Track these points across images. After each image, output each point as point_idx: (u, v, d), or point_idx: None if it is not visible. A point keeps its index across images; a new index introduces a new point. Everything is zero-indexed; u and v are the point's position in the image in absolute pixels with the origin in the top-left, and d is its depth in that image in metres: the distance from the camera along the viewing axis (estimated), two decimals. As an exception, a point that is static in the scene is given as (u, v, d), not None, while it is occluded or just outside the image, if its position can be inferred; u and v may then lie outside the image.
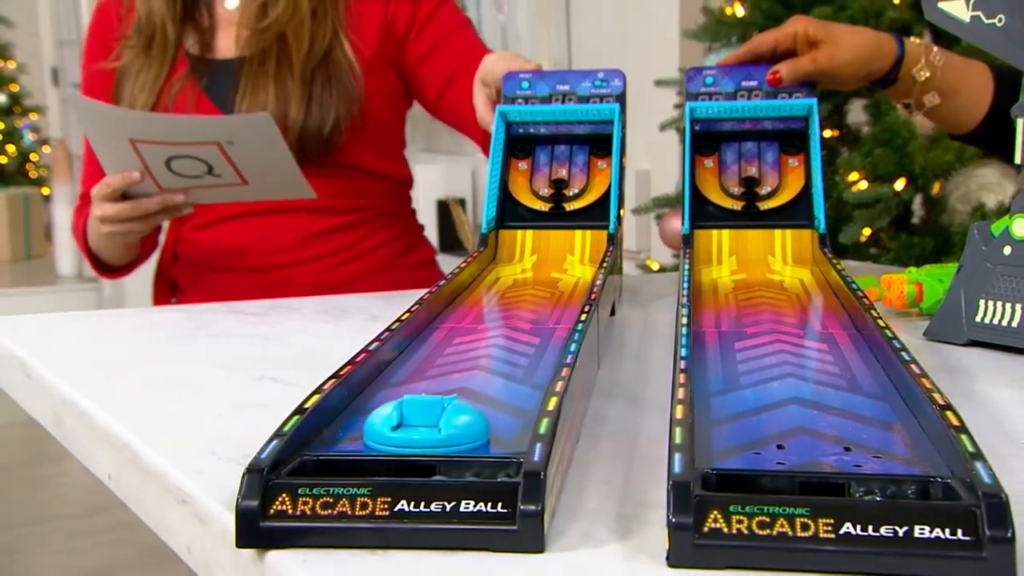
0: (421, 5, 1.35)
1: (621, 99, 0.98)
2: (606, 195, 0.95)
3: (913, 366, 0.53)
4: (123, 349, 0.81)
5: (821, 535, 0.39)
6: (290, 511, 0.43)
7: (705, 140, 0.98)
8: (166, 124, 1.18)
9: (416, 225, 1.50)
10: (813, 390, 0.55)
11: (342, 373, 0.53)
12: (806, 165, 0.96)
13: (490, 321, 0.73)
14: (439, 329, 0.69)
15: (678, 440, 0.44)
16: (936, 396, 0.48)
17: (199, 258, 1.39)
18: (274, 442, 0.45)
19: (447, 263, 2.89)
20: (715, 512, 0.40)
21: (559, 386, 0.50)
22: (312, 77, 1.30)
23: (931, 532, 0.39)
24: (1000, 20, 0.73)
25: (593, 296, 0.70)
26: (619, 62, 2.35)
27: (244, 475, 0.43)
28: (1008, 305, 0.75)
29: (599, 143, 0.99)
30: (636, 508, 0.47)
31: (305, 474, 0.45)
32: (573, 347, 0.57)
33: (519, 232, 0.95)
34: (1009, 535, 0.38)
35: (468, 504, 0.43)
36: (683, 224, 0.92)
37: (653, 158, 2.16)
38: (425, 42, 1.35)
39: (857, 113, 1.77)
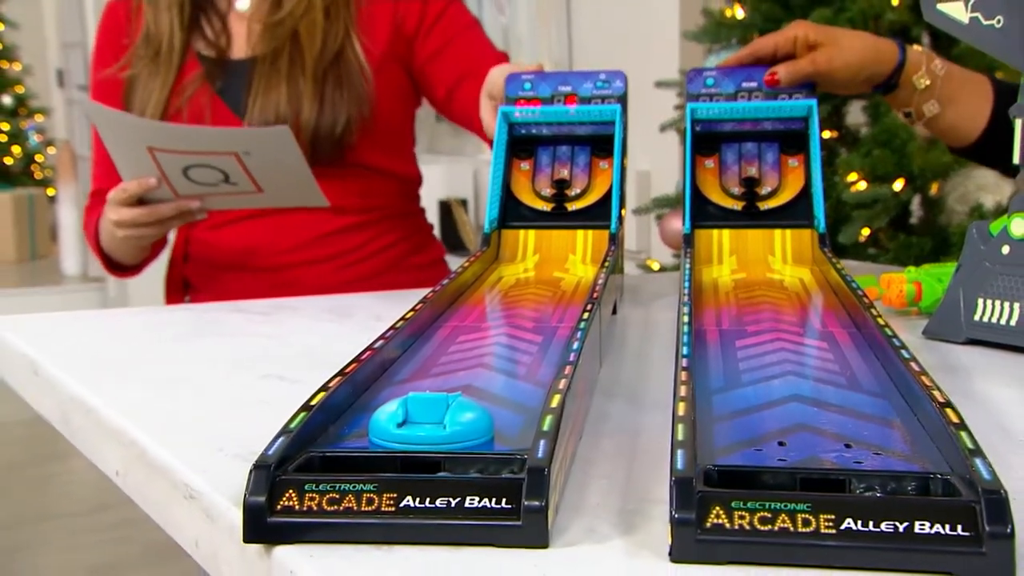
0: (430, 5, 1.36)
1: (622, 100, 0.99)
2: (608, 195, 0.96)
3: (913, 364, 0.54)
4: (130, 347, 0.81)
5: (822, 531, 0.40)
6: (297, 507, 0.44)
7: (706, 141, 0.99)
8: (185, 134, 1.19)
9: (425, 224, 1.50)
10: (813, 387, 0.56)
11: (347, 371, 0.54)
12: (806, 165, 0.96)
13: (493, 320, 0.73)
14: (443, 328, 0.69)
15: (680, 436, 0.44)
16: (936, 394, 0.49)
17: (210, 258, 1.40)
18: (281, 439, 0.46)
19: (449, 263, 2.89)
20: (717, 508, 0.41)
21: (562, 384, 0.51)
22: (324, 77, 1.30)
23: (931, 528, 0.39)
24: (999, 21, 0.74)
25: (595, 295, 0.71)
26: (619, 63, 2.36)
27: (251, 471, 0.43)
28: (1006, 304, 0.75)
29: (601, 144, 0.99)
30: (638, 504, 0.47)
31: (311, 470, 0.46)
32: (576, 345, 0.58)
33: (521, 232, 0.95)
34: (1008, 531, 0.39)
35: (473, 500, 0.43)
36: (684, 224, 0.92)
37: (653, 159, 2.17)
38: (434, 41, 1.35)
39: (856, 114, 1.78)
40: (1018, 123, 0.75)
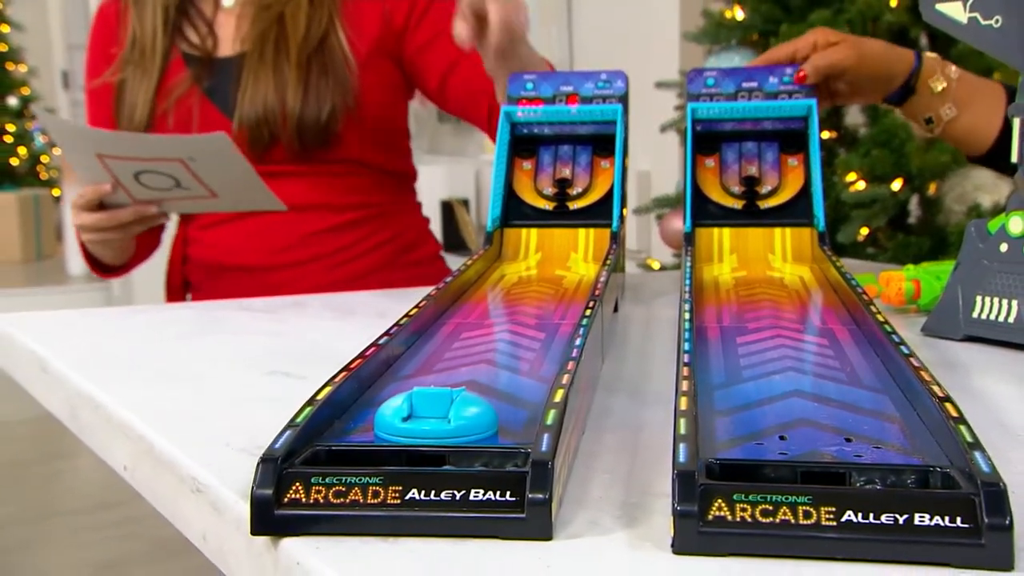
0: None
1: (624, 100, 0.99)
2: (609, 194, 0.96)
3: (912, 360, 0.54)
4: (136, 344, 0.82)
5: (823, 523, 0.40)
6: (303, 499, 0.44)
7: (706, 140, 1.00)
8: (130, 141, 1.21)
9: (421, 220, 1.50)
10: (814, 383, 0.56)
11: (352, 366, 0.54)
12: (805, 164, 0.97)
13: (496, 317, 0.74)
14: (446, 324, 0.70)
15: (683, 431, 0.45)
16: (935, 388, 0.49)
17: (207, 257, 1.41)
18: (287, 432, 0.46)
19: (451, 263, 2.89)
20: (719, 500, 0.41)
21: (565, 379, 0.51)
22: (308, 64, 1.31)
23: (931, 520, 0.40)
24: (997, 21, 0.74)
25: (597, 293, 0.71)
26: (620, 64, 2.36)
27: (259, 464, 0.44)
28: (1004, 301, 0.76)
29: (602, 143, 1.00)
30: (641, 497, 0.48)
31: (318, 464, 0.46)
32: (579, 342, 0.58)
33: (524, 231, 0.96)
34: (1007, 523, 0.39)
35: (478, 493, 0.44)
36: (685, 223, 0.93)
37: (653, 159, 2.17)
38: (424, 33, 1.36)
39: (855, 115, 1.79)
40: (1016, 122, 0.76)
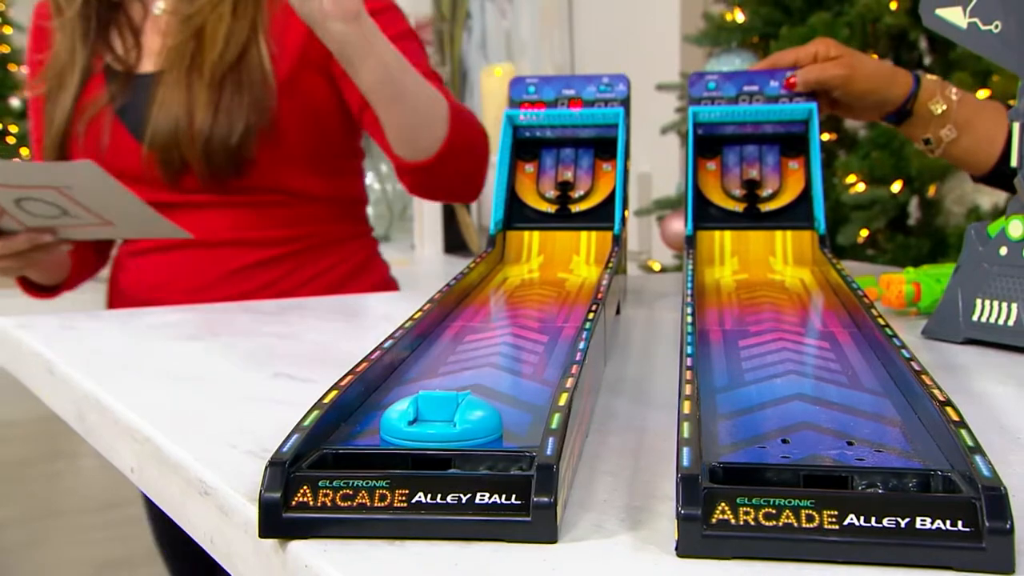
0: None
1: (625, 103, 1.00)
2: (611, 197, 0.97)
3: (913, 363, 0.55)
4: (142, 347, 0.82)
5: (825, 526, 0.41)
6: (311, 503, 0.44)
7: (707, 143, 1.00)
8: (1, 169, 1.12)
9: (367, 245, 1.39)
10: (815, 386, 0.57)
11: (358, 370, 0.55)
12: (806, 168, 0.97)
13: (499, 320, 0.74)
14: (450, 327, 0.70)
15: (686, 434, 0.45)
16: (936, 392, 0.50)
17: (131, 285, 1.33)
18: (295, 436, 0.46)
19: (452, 263, 2.90)
20: (723, 504, 0.42)
21: (569, 382, 0.52)
22: (222, 82, 1.21)
23: (932, 523, 0.40)
24: (997, 27, 0.75)
25: (600, 296, 0.72)
26: (621, 67, 2.37)
27: (267, 468, 0.44)
28: (1004, 304, 0.76)
29: (604, 146, 1.00)
30: (645, 500, 0.48)
31: (324, 467, 0.47)
32: (582, 345, 0.59)
33: (526, 233, 0.96)
34: (1008, 526, 0.39)
35: (483, 496, 0.44)
36: (686, 225, 0.94)
37: (654, 161, 2.18)
38: None
39: (855, 116, 1.79)
40: (1016, 126, 0.76)
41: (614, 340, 0.82)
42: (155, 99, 1.23)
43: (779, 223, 0.95)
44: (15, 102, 5.38)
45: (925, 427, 0.50)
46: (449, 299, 0.74)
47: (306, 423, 0.48)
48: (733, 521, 0.41)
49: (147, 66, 1.28)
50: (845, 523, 0.41)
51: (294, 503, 0.44)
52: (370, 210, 3.15)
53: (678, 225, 1.77)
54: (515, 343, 0.67)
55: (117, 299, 1.36)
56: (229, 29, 1.22)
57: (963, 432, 0.45)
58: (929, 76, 1.01)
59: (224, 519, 0.50)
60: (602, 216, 0.97)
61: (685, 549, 0.42)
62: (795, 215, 0.96)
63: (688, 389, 0.51)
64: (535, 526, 0.43)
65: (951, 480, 0.43)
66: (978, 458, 0.42)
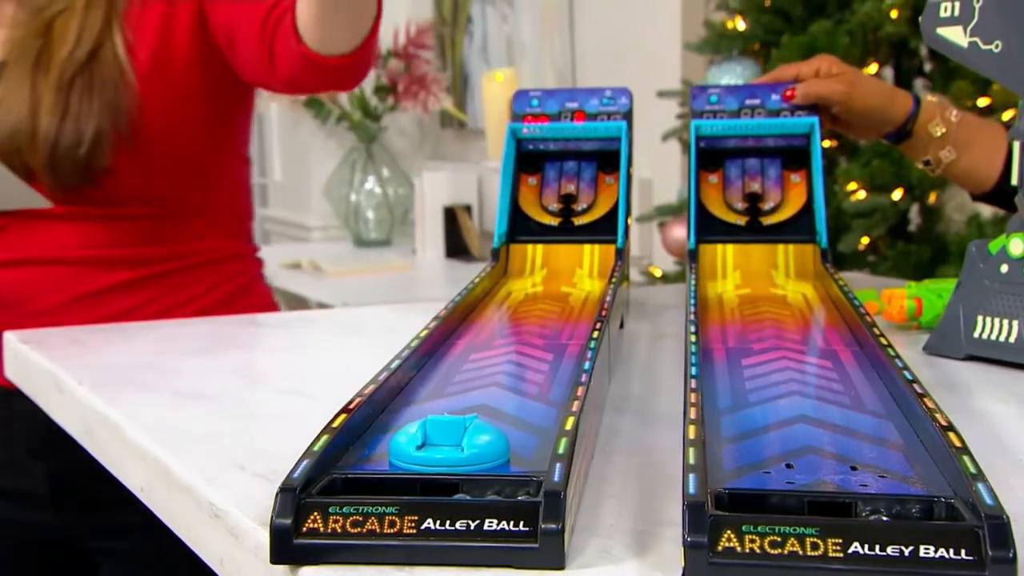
0: None
1: (628, 117, 1.00)
2: (613, 210, 0.98)
3: (916, 386, 0.55)
4: (149, 361, 0.83)
5: (830, 554, 0.41)
6: (322, 529, 0.45)
7: (710, 156, 1.01)
8: None
9: (249, 267, 1.25)
10: (818, 407, 0.57)
11: (366, 392, 0.55)
12: (808, 181, 0.98)
13: (504, 337, 0.75)
14: (455, 345, 0.71)
15: (692, 461, 0.45)
16: (938, 416, 0.50)
17: None
18: (305, 461, 0.47)
19: (453, 268, 2.90)
20: (729, 532, 0.42)
21: (575, 405, 0.52)
22: (71, 83, 1.08)
23: (936, 552, 0.41)
24: (997, 46, 0.75)
25: (604, 313, 0.72)
26: (622, 73, 2.37)
27: (278, 494, 0.45)
28: (1005, 321, 0.77)
29: (606, 159, 1.01)
30: (651, 525, 0.49)
31: (335, 492, 0.47)
32: (587, 365, 0.59)
33: (529, 247, 0.97)
34: (1011, 555, 0.40)
35: (492, 523, 0.44)
36: (689, 239, 0.94)
37: (655, 167, 2.19)
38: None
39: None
40: (1016, 145, 0.77)
41: (618, 355, 0.82)
42: None
43: (781, 236, 0.96)
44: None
45: (928, 451, 0.50)
46: (454, 316, 0.75)
47: (316, 448, 0.48)
48: (739, 549, 0.42)
49: None
50: (849, 551, 0.41)
51: (305, 529, 0.45)
52: (370, 214, 3.18)
53: (679, 232, 1.78)
54: (520, 361, 0.68)
55: None
56: (81, 22, 1.08)
57: (966, 459, 0.45)
58: (929, 97, 1.01)
59: (234, 543, 0.50)
60: (605, 229, 0.97)
61: (692, 576, 0.42)
62: (797, 228, 0.96)
63: (693, 412, 0.51)
64: (543, 553, 0.44)
65: (954, 507, 0.43)
66: (981, 486, 0.43)
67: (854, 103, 0.97)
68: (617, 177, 0.99)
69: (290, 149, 3.53)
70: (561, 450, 0.47)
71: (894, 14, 1.56)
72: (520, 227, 0.98)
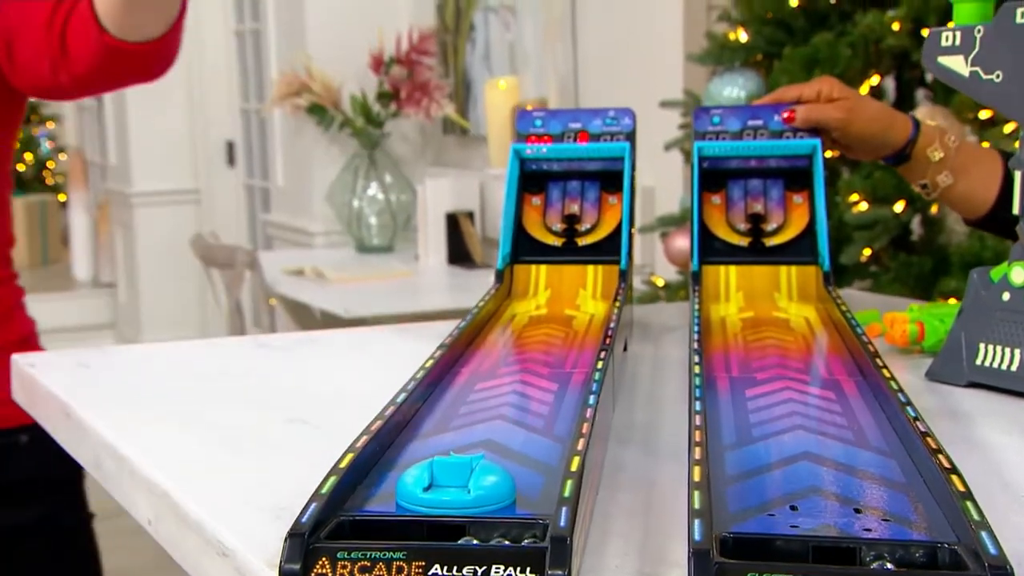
0: None
1: (631, 137, 1.01)
2: (617, 230, 0.98)
3: (919, 423, 0.55)
4: (156, 387, 0.83)
5: (834, 602, 0.42)
6: (330, 574, 0.45)
7: (712, 177, 1.01)
8: None
9: (7, 295, 1.16)
10: (821, 443, 0.58)
11: (373, 429, 0.56)
12: (810, 202, 0.98)
13: (508, 366, 0.75)
14: (460, 373, 0.71)
15: (697, 505, 0.46)
16: (941, 458, 0.51)
17: None
18: (313, 505, 0.47)
19: (455, 274, 2.89)
20: (734, 579, 0.43)
21: (580, 444, 0.53)
22: None
23: (938, 601, 0.41)
24: (998, 76, 0.76)
25: (608, 341, 0.72)
26: (625, 82, 2.37)
27: (287, 539, 0.45)
28: (1007, 349, 0.77)
29: (610, 179, 1.01)
30: (656, 566, 0.49)
31: (342, 535, 0.48)
32: (592, 400, 0.59)
33: (533, 267, 0.97)
34: (1014, 605, 0.40)
35: (499, 569, 0.45)
36: (692, 260, 0.95)
37: (657, 176, 2.19)
38: None
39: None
40: (1018, 175, 0.77)
41: (622, 380, 0.83)
42: None
43: (784, 258, 0.96)
44: None
45: (931, 492, 0.51)
46: (459, 342, 0.75)
47: (323, 490, 0.49)
48: (744, 596, 0.42)
49: None
50: (853, 600, 0.42)
51: (313, 574, 0.45)
52: (373, 220, 3.19)
53: (682, 243, 1.78)
54: (524, 392, 0.68)
55: None
56: None
57: (969, 505, 0.46)
58: (929, 122, 1.02)
59: (243, 583, 0.51)
60: (608, 249, 0.98)
61: (697, 623, 0.43)
62: (800, 250, 0.96)
63: (698, 452, 0.51)
64: (550, 598, 0.44)
65: (958, 554, 0.44)
66: (984, 534, 0.43)
67: (853, 128, 0.98)
68: (620, 197, 0.99)
69: (292, 154, 3.53)
70: (567, 493, 0.48)
71: (896, 26, 1.56)
72: (524, 247, 0.99)
